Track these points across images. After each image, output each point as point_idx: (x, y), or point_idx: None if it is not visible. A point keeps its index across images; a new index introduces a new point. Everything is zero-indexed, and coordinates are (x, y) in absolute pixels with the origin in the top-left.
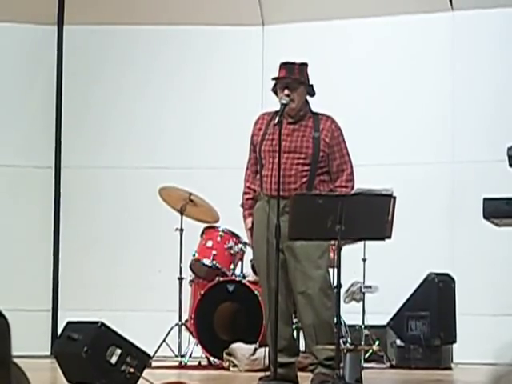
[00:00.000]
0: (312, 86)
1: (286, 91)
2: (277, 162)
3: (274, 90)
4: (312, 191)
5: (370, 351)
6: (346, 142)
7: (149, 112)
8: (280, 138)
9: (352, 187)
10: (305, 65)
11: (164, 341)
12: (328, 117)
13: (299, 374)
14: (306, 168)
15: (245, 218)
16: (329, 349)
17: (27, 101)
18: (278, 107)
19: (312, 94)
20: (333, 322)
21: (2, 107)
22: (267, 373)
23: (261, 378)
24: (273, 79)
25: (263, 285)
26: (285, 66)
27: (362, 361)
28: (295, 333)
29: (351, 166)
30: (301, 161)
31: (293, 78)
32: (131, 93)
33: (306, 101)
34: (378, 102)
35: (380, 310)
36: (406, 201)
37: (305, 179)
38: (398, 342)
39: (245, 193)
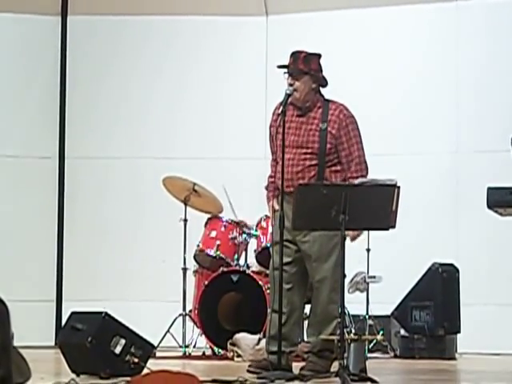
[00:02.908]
0: (323, 76)
1: (290, 80)
2: (286, 158)
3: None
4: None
5: (374, 341)
6: (357, 130)
7: (153, 102)
8: (284, 129)
9: (362, 176)
10: (314, 55)
11: (168, 331)
12: (338, 105)
13: (301, 363)
14: (313, 162)
15: (268, 199)
16: (327, 339)
17: (31, 91)
18: (282, 97)
19: (324, 84)
20: (338, 315)
21: (5, 98)
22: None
23: (250, 365)
24: (277, 67)
25: (270, 277)
26: (293, 54)
27: (366, 351)
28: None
29: (359, 156)
30: (308, 156)
31: (294, 68)
32: (135, 83)
33: (319, 91)
34: (382, 92)
35: (384, 300)
36: (410, 191)
37: (313, 173)
38: (402, 331)
39: (269, 176)
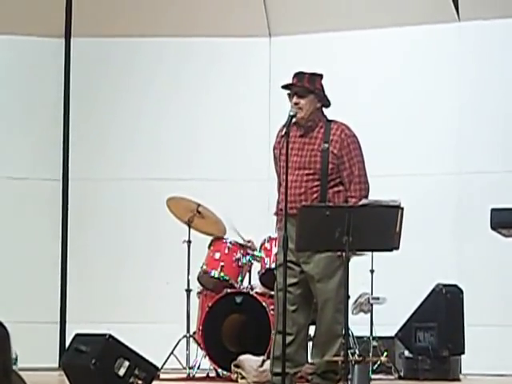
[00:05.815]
0: (326, 96)
1: (295, 99)
2: (289, 180)
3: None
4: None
5: (378, 362)
6: (358, 149)
7: (157, 124)
8: (287, 150)
9: (362, 196)
10: (317, 75)
11: (172, 353)
12: (340, 125)
13: None
14: (316, 184)
15: (276, 230)
16: (331, 361)
17: (35, 113)
18: (286, 119)
19: (327, 104)
20: (342, 334)
21: (9, 120)
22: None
23: None
24: (282, 87)
25: (275, 299)
26: (296, 75)
27: (370, 372)
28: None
29: (360, 175)
30: (310, 177)
31: (300, 86)
32: (139, 105)
33: (321, 112)
34: (384, 112)
35: (388, 321)
36: (413, 212)
37: (316, 195)
38: (406, 353)
39: (278, 202)
